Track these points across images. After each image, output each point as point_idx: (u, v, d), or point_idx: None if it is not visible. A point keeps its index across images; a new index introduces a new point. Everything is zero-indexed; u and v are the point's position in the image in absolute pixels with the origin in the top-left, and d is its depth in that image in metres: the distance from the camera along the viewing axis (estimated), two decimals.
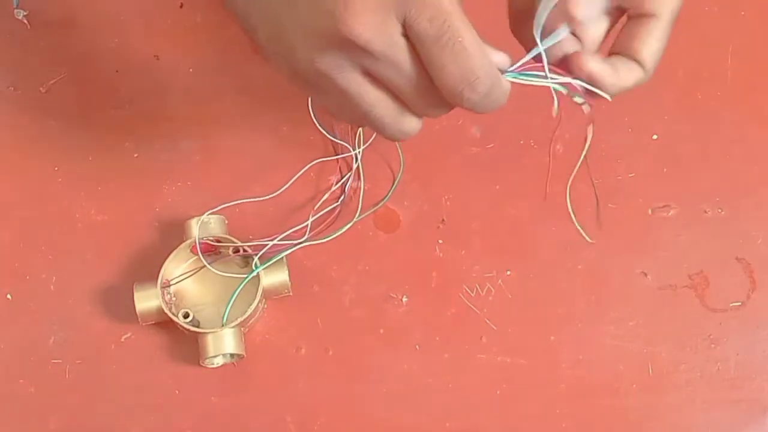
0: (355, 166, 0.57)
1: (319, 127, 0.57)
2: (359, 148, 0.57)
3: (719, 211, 0.58)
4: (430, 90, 0.39)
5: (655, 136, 0.59)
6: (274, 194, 0.56)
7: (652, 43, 0.44)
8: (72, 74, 0.59)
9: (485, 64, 0.38)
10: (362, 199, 0.56)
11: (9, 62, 0.59)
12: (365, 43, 0.37)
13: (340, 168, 0.58)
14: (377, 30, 0.37)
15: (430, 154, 0.58)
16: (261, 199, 0.56)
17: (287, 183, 0.56)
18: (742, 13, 0.62)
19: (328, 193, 0.57)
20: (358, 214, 0.56)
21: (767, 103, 0.60)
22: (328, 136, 0.57)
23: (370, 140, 0.57)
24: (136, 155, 0.57)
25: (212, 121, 0.58)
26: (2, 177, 0.57)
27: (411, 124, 0.42)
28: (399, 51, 0.38)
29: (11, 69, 0.59)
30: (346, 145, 0.57)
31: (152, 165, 0.57)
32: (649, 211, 0.58)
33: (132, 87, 0.59)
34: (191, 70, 0.59)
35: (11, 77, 0.59)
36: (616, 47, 0.45)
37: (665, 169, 0.58)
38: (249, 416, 0.53)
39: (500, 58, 0.41)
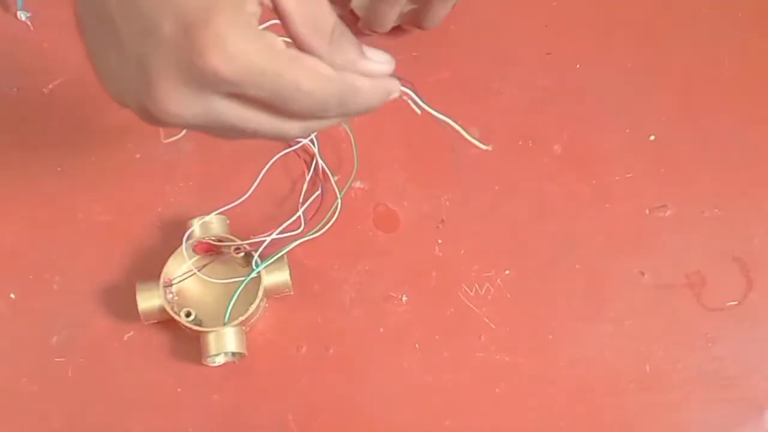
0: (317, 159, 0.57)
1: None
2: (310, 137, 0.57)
3: (716, 211, 0.58)
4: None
5: (652, 137, 0.60)
6: (244, 197, 0.56)
7: None
8: (75, 75, 0.59)
9: (330, 89, 0.37)
10: (336, 187, 0.57)
11: (12, 63, 0.59)
12: (176, 120, 0.36)
13: (305, 161, 0.58)
14: (189, 109, 0.35)
15: (430, 154, 0.59)
16: (239, 201, 0.56)
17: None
18: (739, 14, 0.62)
19: (306, 182, 0.57)
20: (338, 203, 0.56)
21: (764, 104, 0.61)
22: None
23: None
24: (138, 156, 0.58)
25: None
26: (5, 177, 0.57)
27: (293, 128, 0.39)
28: (218, 122, 0.36)
29: (15, 70, 0.59)
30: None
31: (154, 165, 0.58)
32: (647, 211, 0.58)
33: None
34: None
35: (15, 78, 0.59)
36: None
37: (662, 170, 0.59)
38: (250, 414, 0.53)
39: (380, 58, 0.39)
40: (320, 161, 0.57)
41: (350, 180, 0.57)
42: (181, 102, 0.35)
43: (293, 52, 0.36)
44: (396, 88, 0.40)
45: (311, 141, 0.58)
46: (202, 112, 0.36)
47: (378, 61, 0.39)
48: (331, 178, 0.57)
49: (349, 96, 0.37)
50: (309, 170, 0.57)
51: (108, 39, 0.37)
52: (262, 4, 0.35)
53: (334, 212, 0.56)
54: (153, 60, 0.34)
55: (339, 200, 0.56)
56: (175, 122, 0.36)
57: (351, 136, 0.57)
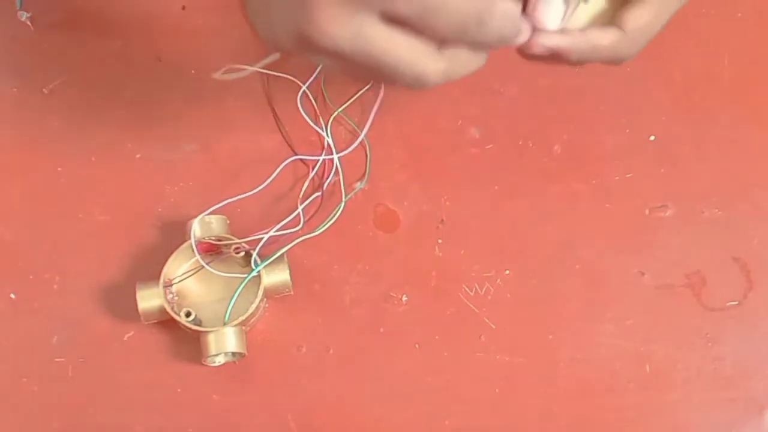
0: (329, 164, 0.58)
1: (310, 122, 0.58)
2: (330, 154, 0.57)
3: (716, 211, 0.58)
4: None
5: (652, 137, 0.60)
6: (255, 190, 0.56)
7: (636, 9, 0.44)
8: (75, 76, 0.59)
9: (474, 6, 0.38)
10: (344, 192, 0.57)
11: (12, 64, 0.59)
12: (333, 46, 0.37)
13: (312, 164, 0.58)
14: (343, 30, 0.37)
15: (430, 154, 0.59)
16: (247, 194, 0.56)
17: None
18: (739, 14, 0.62)
19: (307, 181, 0.57)
20: (342, 205, 0.56)
21: (764, 104, 0.61)
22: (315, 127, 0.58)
23: (351, 148, 0.58)
24: (138, 156, 0.58)
25: (214, 122, 0.58)
26: (6, 177, 0.57)
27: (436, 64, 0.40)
28: (367, 45, 0.38)
29: (15, 70, 0.59)
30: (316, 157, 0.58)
31: (154, 165, 0.58)
32: (647, 211, 0.58)
33: (134, 88, 0.59)
34: (193, 71, 0.59)
35: (15, 78, 0.59)
36: None
37: (662, 170, 0.59)
38: (250, 414, 0.53)
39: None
40: (338, 173, 0.57)
41: (363, 181, 0.57)
42: (337, 21, 0.36)
43: None
44: (526, 31, 0.42)
45: (329, 142, 0.58)
46: (355, 34, 0.37)
47: None
48: (341, 174, 0.57)
49: (486, 16, 0.38)
50: (311, 171, 0.57)
51: None
52: None
53: (336, 210, 0.56)
54: None
55: (343, 199, 0.56)
56: (329, 44, 0.37)
57: (366, 143, 0.58)
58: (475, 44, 0.40)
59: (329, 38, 0.37)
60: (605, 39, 0.44)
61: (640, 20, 0.44)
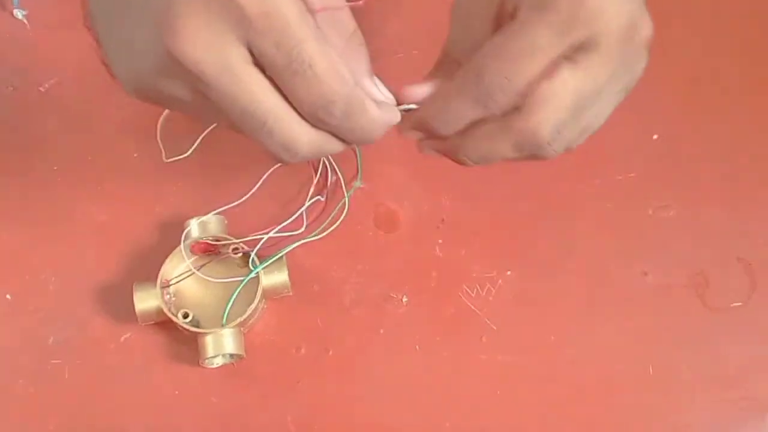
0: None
1: None
2: None
3: (720, 211, 0.58)
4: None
5: (655, 136, 0.59)
6: (245, 197, 0.56)
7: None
8: (71, 74, 0.59)
9: (339, 87, 0.36)
10: (345, 190, 0.57)
11: (9, 62, 0.59)
12: (195, 65, 0.35)
13: (313, 164, 0.58)
14: (208, 51, 0.35)
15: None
16: (240, 201, 0.55)
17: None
18: (742, 13, 0.62)
19: (313, 186, 0.57)
20: (346, 209, 0.56)
21: (767, 103, 0.60)
22: None
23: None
24: (136, 155, 0.58)
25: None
26: (2, 177, 0.57)
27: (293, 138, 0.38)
28: (234, 80, 0.35)
29: (11, 69, 0.59)
30: None
31: (152, 165, 0.57)
32: (650, 211, 0.58)
33: None
34: None
35: (11, 77, 0.59)
36: None
37: (666, 169, 0.59)
38: (249, 416, 0.53)
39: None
40: (329, 162, 0.57)
41: (355, 184, 0.57)
42: (201, 37, 0.34)
43: (322, 33, 0.36)
44: (397, 117, 0.40)
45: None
46: (221, 61, 0.35)
47: (383, 92, 0.39)
48: (341, 178, 0.57)
49: (356, 109, 0.37)
50: (316, 174, 0.57)
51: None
52: None
53: (339, 214, 0.55)
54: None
55: (347, 201, 0.56)
56: (192, 61, 0.35)
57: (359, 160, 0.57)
58: (341, 139, 0.38)
59: (191, 53, 0.35)
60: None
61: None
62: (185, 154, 0.56)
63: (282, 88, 0.36)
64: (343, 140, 0.39)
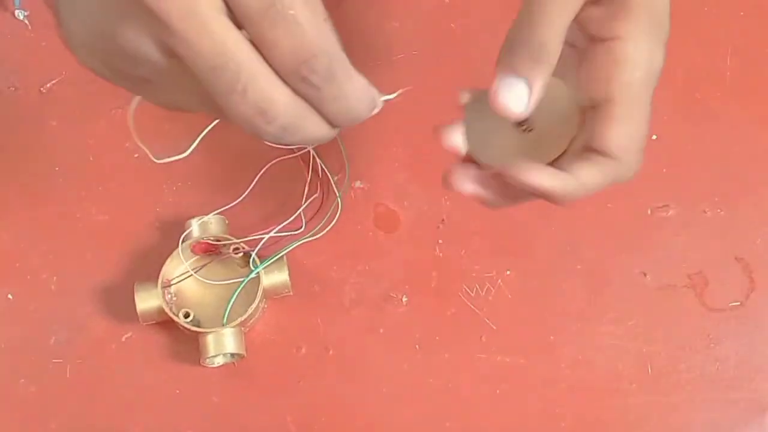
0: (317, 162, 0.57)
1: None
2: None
3: (718, 211, 0.58)
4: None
5: (654, 137, 0.59)
6: (243, 196, 0.56)
7: (614, 127, 0.38)
8: (72, 74, 0.59)
9: (323, 42, 0.32)
10: (339, 192, 0.56)
11: (10, 62, 0.59)
12: (158, 5, 0.31)
13: (312, 165, 0.57)
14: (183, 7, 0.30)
15: (431, 154, 0.58)
16: (239, 201, 0.55)
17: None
18: (741, 13, 0.62)
19: (306, 184, 0.57)
20: (340, 207, 0.56)
21: (766, 103, 0.60)
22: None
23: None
24: (136, 155, 0.57)
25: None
26: (3, 177, 0.57)
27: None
28: (202, 28, 0.31)
29: (12, 69, 0.59)
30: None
31: (152, 165, 0.57)
32: (649, 211, 0.58)
33: None
34: None
35: (12, 77, 0.59)
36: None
37: (665, 169, 0.58)
38: (249, 416, 0.53)
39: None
40: (318, 161, 0.57)
41: (346, 180, 0.57)
42: None
43: None
44: (380, 102, 0.36)
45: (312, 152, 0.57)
46: (185, 5, 0.31)
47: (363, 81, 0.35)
48: (330, 178, 0.57)
49: (341, 72, 0.33)
50: (309, 172, 0.57)
51: None
52: None
53: (335, 212, 0.55)
54: None
55: (339, 200, 0.56)
56: (152, 7, 0.31)
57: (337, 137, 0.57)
58: (321, 102, 0.34)
59: (167, 13, 0.31)
60: (598, 176, 0.39)
61: (629, 137, 0.39)
62: (180, 155, 0.56)
63: (258, 43, 0.32)
64: (323, 117, 0.35)
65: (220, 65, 0.32)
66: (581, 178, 0.39)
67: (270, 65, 0.32)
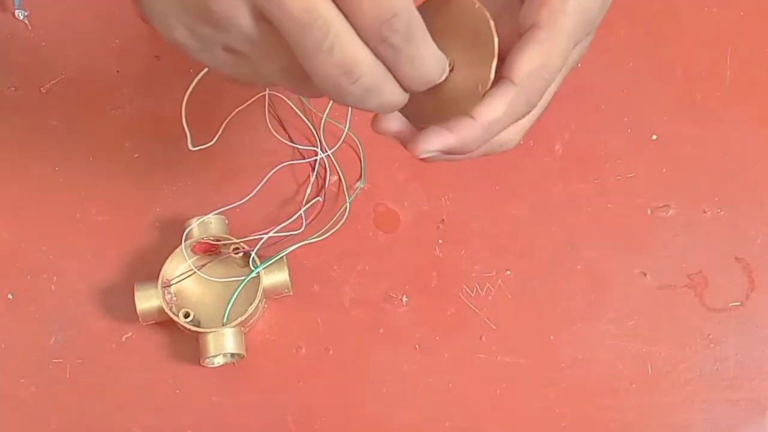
0: (322, 167, 0.57)
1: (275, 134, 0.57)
2: (324, 152, 0.57)
3: (718, 211, 0.58)
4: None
5: (654, 136, 0.59)
6: (247, 197, 0.55)
7: (527, 50, 0.38)
8: (72, 74, 0.59)
9: (402, 4, 0.33)
10: (347, 194, 0.57)
11: (9, 62, 0.59)
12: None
13: (311, 165, 0.57)
14: None
15: None
16: (241, 202, 0.55)
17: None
18: (741, 13, 0.62)
19: (310, 185, 0.57)
20: (346, 213, 0.56)
21: (766, 103, 0.60)
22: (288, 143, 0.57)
23: (337, 145, 0.57)
24: (136, 155, 0.57)
25: (212, 122, 0.58)
26: (3, 177, 0.57)
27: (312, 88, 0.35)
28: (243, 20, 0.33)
29: (12, 69, 0.59)
30: (315, 149, 0.57)
31: (152, 165, 0.57)
32: (649, 211, 0.58)
33: (133, 87, 0.59)
34: (191, 70, 0.59)
35: (12, 77, 0.59)
36: None
37: (664, 169, 0.58)
38: (249, 416, 0.53)
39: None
40: (337, 166, 0.57)
41: (362, 180, 0.57)
42: None
43: None
44: (447, 68, 0.37)
45: (319, 142, 0.57)
46: None
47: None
48: (342, 180, 0.57)
49: (418, 32, 0.34)
50: (313, 173, 0.57)
51: None
52: None
53: (341, 217, 0.55)
54: None
55: (348, 205, 0.56)
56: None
57: (358, 142, 0.57)
58: (399, 63, 0.34)
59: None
60: (496, 108, 0.38)
61: (532, 64, 0.38)
62: (208, 143, 0.55)
63: (341, 4, 0.33)
64: (398, 80, 0.35)
65: (309, 23, 0.32)
66: (482, 116, 0.38)
67: (352, 25, 0.33)
